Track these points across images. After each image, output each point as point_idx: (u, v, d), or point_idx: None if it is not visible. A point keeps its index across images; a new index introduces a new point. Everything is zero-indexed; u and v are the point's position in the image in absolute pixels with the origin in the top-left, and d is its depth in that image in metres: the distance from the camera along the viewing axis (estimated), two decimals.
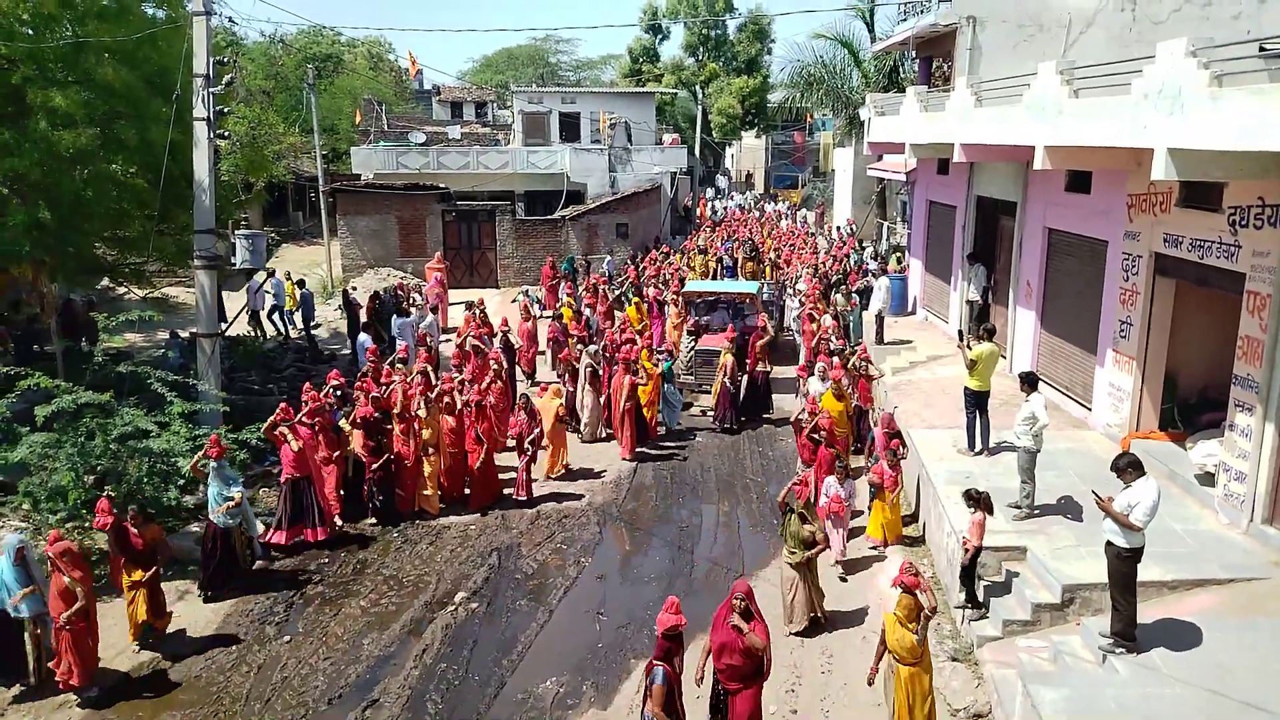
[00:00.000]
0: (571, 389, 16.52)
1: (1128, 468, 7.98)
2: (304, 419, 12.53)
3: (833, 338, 16.80)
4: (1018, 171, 15.88)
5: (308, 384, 13.64)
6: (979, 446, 12.66)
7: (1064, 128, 11.58)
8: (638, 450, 15.69)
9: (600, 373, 16.18)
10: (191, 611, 10.71)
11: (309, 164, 37.91)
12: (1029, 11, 18.97)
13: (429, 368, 15.16)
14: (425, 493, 13.29)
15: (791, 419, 13.70)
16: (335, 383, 14.36)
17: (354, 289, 24.95)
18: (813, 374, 15.14)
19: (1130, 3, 18.90)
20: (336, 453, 12.81)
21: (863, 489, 12.32)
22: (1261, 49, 9.94)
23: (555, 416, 14.93)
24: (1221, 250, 10.41)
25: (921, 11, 21.44)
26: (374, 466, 12.89)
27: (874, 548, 11.81)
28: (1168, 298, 12.16)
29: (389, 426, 13.27)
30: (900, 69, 30.81)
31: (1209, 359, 12.02)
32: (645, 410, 16.13)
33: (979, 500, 9.41)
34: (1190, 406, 12.48)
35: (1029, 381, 10.87)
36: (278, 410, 12.25)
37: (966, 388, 12.60)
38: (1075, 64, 12.08)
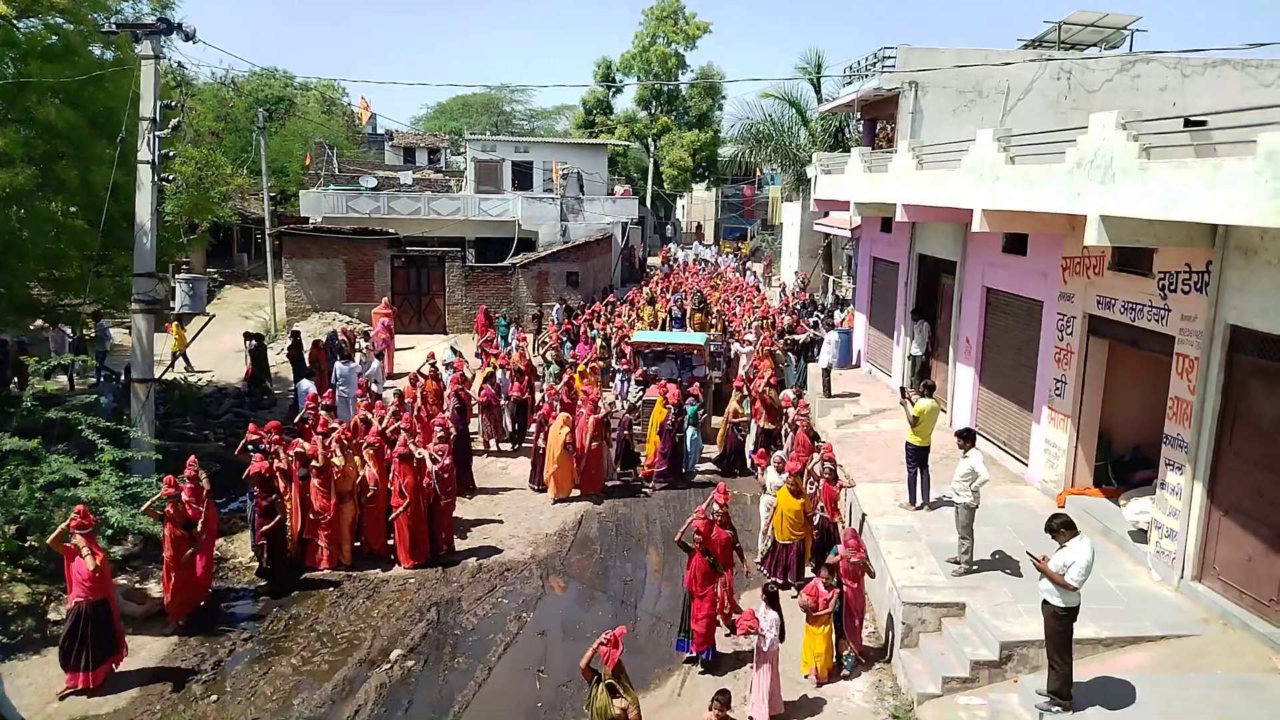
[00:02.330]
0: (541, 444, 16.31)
1: (1061, 528, 8.10)
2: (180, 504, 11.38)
3: (792, 411, 16.05)
4: (958, 232, 16.29)
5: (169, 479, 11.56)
6: (920, 501, 12.78)
7: (1001, 192, 11.93)
8: (583, 492, 15.96)
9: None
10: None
11: (256, 205, 37.57)
12: (969, 78, 19.62)
13: (370, 415, 14.89)
14: (339, 540, 12.95)
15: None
16: (253, 438, 13.37)
17: (297, 331, 24.60)
18: (769, 463, 13.28)
19: (1065, 72, 19.71)
20: (190, 550, 11.23)
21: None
22: (1186, 123, 10.42)
23: (562, 443, 15.33)
24: (1152, 313, 10.74)
25: (866, 75, 22.05)
26: (264, 529, 12.10)
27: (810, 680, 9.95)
28: (1101, 358, 12.49)
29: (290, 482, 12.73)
30: (846, 129, 31.62)
31: (1141, 418, 12.33)
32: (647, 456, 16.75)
33: (725, 703, 7.94)
34: (1124, 464, 12.77)
35: (967, 437, 11.02)
36: (72, 515, 9.87)
37: (908, 443, 12.76)
38: (1012, 131, 12.51)
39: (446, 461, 13.31)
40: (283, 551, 12.40)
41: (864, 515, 12.46)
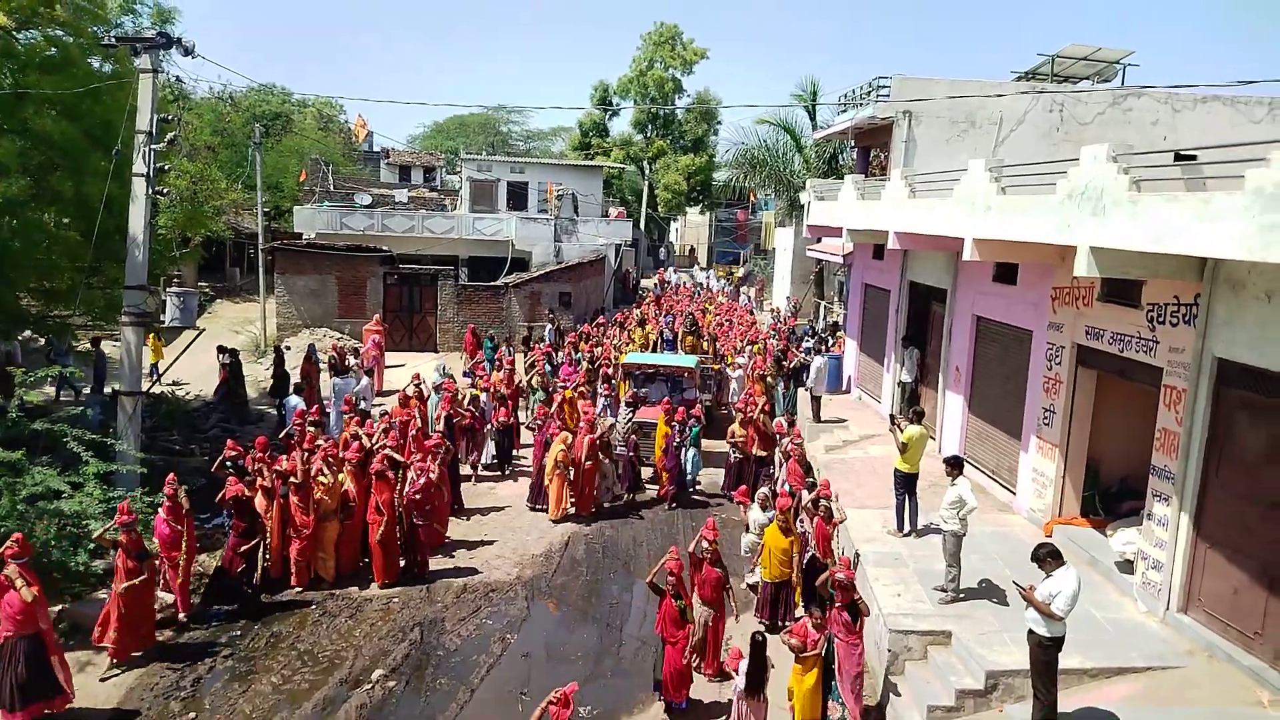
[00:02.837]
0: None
1: (1048, 557, 8.10)
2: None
3: (785, 440, 15.69)
4: (949, 260, 16.37)
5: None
6: (907, 528, 12.76)
7: (992, 222, 12.01)
8: (574, 514, 15.96)
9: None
10: (90, 685, 10.13)
11: (250, 220, 37.54)
12: (963, 109, 19.81)
13: (360, 431, 14.82)
14: (322, 556, 12.87)
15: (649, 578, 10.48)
16: (232, 453, 13.18)
17: (287, 347, 24.56)
18: (753, 500, 13.05)
19: (1058, 104, 19.92)
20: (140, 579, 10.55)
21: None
22: (1177, 157, 10.51)
23: (555, 461, 15.40)
24: (1140, 345, 10.79)
25: (861, 104, 22.22)
26: (241, 550, 11.94)
27: None
28: (1089, 388, 12.53)
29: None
30: (840, 156, 31.85)
31: (1129, 448, 12.36)
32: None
33: None
34: (1111, 494, 12.79)
35: (955, 465, 11.03)
36: (9, 543, 9.29)
37: (897, 469, 12.75)
38: (1004, 162, 12.62)
39: (422, 482, 13.26)
40: (254, 575, 12.24)
41: (857, 553, 12.18)
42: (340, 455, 13.65)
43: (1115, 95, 20.13)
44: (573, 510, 15.97)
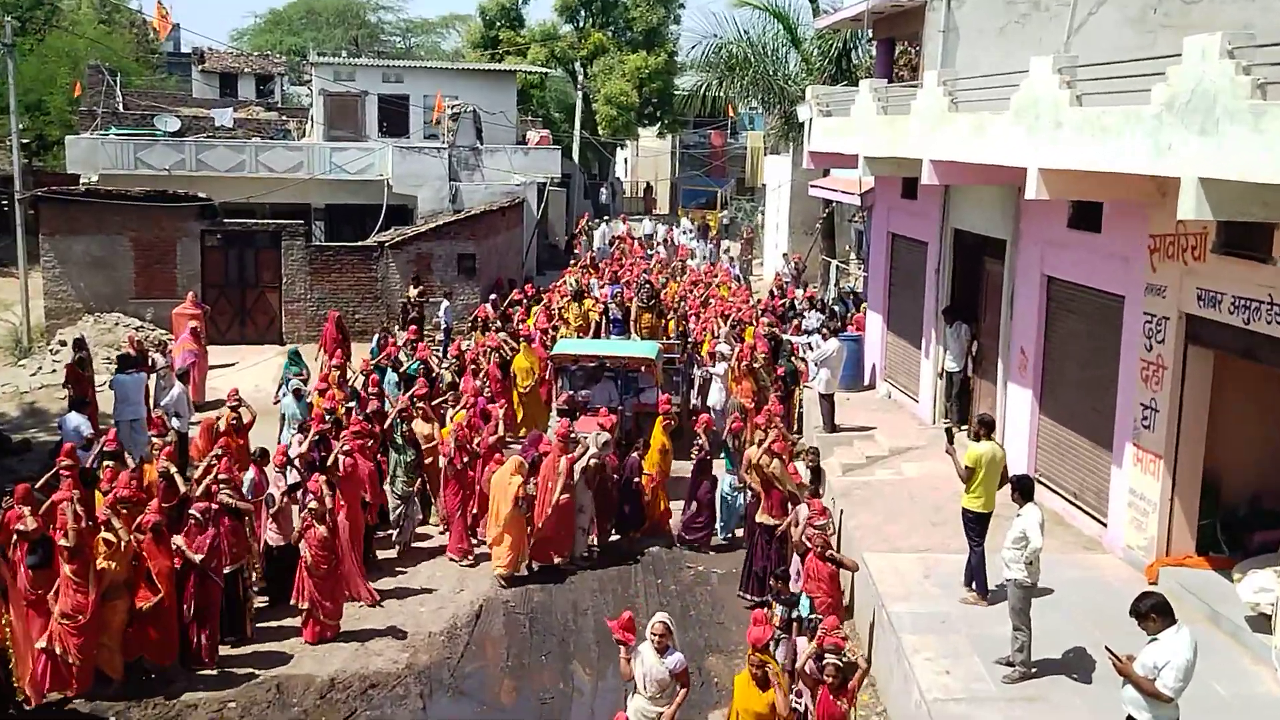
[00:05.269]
0: None
1: (1151, 613, 8.25)
2: None
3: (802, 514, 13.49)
4: (1007, 200, 16.60)
5: None
6: (986, 589, 12.49)
7: (1064, 144, 12.16)
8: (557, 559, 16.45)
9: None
10: None
11: (2, 158, 36.86)
12: None
13: (171, 466, 14.63)
14: (108, 646, 12.53)
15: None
16: None
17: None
18: (635, 639, 10.71)
19: None
20: None
21: None
22: None
23: (514, 500, 15.58)
24: (1274, 313, 11.02)
25: None
26: None
27: None
28: (1205, 375, 12.77)
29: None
30: (852, 54, 32.06)
31: (1263, 457, 12.64)
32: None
33: None
34: (1238, 521, 13.06)
35: (1021, 488, 11.20)
36: None
37: (964, 508, 12.67)
38: (1079, 60, 12.78)
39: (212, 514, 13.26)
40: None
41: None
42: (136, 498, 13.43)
43: None
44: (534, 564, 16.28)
